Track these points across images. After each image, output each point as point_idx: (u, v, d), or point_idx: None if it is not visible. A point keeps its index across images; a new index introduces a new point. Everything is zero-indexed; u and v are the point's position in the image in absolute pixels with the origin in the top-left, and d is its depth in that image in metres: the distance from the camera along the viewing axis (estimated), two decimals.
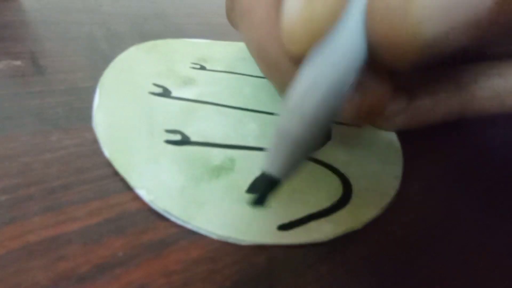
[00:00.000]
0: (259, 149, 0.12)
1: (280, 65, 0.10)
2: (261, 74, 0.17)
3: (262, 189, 0.08)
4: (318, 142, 0.09)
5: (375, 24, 0.08)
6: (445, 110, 0.14)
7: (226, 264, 0.09)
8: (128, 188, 0.10)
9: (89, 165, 0.10)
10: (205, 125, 0.11)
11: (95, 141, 0.11)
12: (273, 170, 0.09)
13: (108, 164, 0.10)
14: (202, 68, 0.16)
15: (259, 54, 0.11)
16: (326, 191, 0.11)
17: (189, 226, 0.09)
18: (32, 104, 0.11)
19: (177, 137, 0.12)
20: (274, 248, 0.09)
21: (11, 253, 0.07)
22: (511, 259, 0.11)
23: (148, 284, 0.08)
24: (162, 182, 0.10)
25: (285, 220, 0.10)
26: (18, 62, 0.13)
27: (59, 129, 0.11)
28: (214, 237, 0.09)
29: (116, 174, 0.10)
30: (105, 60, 0.14)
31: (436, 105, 0.14)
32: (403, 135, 0.15)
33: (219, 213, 0.10)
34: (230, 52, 0.18)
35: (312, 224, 0.10)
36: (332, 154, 0.13)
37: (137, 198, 0.09)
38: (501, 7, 0.07)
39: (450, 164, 0.15)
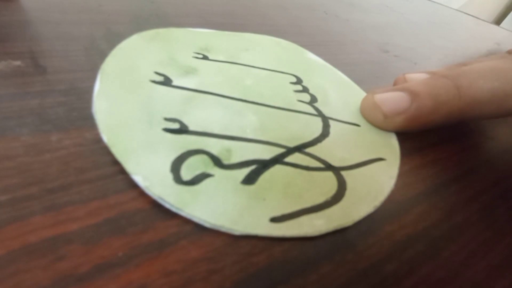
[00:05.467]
0: (257, 141, 0.12)
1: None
2: (263, 65, 0.17)
3: None
4: None
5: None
6: (445, 112, 0.15)
7: (226, 264, 0.09)
8: (128, 188, 0.10)
9: (89, 165, 0.10)
10: (204, 115, 0.12)
11: (95, 141, 0.11)
12: None
13: (108, 164, 0.10)
14: (205, 57, 0.16)
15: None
16: (320, 187, 0.11)
17: (182, 214, 0.09)
18: (32, 104, 0.11)
19: (176, 126, 0.12)
20: (274, 248, 0.09)
21: (11, 253, 0.07)
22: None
23: (148, 284, 0.08)
24: (158, 170, 0.10)
25: (278, 213, 0.10)
26: (18, 62, 0.13)
27: (59, 129, 0.11)
28: (206, 225, 0.09)
29: (116, 174, 0.10)
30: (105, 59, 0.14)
31: (437, 107, 0.14)
32: (401, 136, 0.15)
33: (213, 202, 0.10)
34: (234, 43, 0.18)
35: (304, 219, 0.10)
36: (329, 151, 0.13)
37: (137, 198, 0.09)
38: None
39: (448, 167, 0.15)
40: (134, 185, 0.10)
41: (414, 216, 0.12)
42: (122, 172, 0.10)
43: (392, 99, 0.15)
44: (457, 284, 0.10)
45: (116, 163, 0.10)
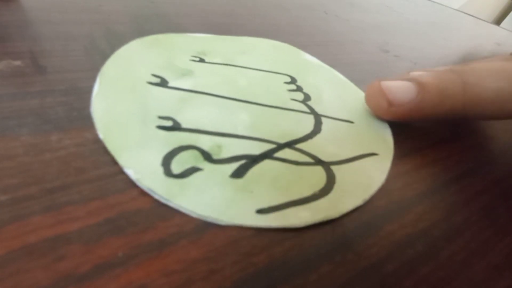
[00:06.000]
0: (247, 138, 0.12)
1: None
2: (258, 67, 0.17)
3: None
4: None
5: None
6: (449, 107, 0.15)
7: (226, 264, 0.09)
8: (128, 188, 0.10)
9: (89, 165, 0.10)
10: (197, 113, 0.12)
11: (95, 141, 0.11)
12: None
13: (108, 164, 0.10)
14: (201, 61, 0.16)
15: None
16: (309, 181, 0.11)
17: (171, 204, 0.09)
18: (32, 104, 0.11)
19: (169, 123, 0.12)
20: (274, 248, 0.09)
21: (11, 253, 0.07)
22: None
23: (148, 284, 0.08)
24: (149, 164, 0.10)
25: (264, 205, 0.10)
26: (18, 62, 0.13)
27: (59, 129, 0.11)
28: (194, 215, 0.09)
29: (116, 174, 0.10)
30: (105, 60, 0.14)
31: (442, 101, 0.14)
32: (401, 135, 0.15)
33: (201, 194, 0.10)
34: (230, 46, 0.19)
35: (290, 210, 0.10)
36: (320, 147, 0.13)
37: (137, 198, 0.09)
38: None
39: (448, 167, 0.15)
40: (134, 185, 0.10)
41: (414, 216, 0.12)
42: (122, 172, 0.10)
43: (398, 88, 0.15)
44: (457, 284, 0.10)
45: (116, 162, 0.10)
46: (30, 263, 0.07)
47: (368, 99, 0.16)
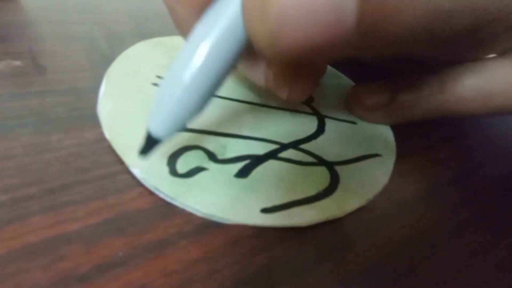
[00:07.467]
0: (252, 138, 0.13)
1: (186, 25, 0.11)
2: None
3: (145, 145, 0.10)
4: (197, 108, 0.09)
5: (244, 18, 0.08)
6: (427, 108, 0.15)
7: (226, 264, 0.09)
8: (128, 188, 0.10)
9: (89, 165, 0.10)
10: (202, 114, 0.12)
11: (95, 141, 0.11)
12: (154, 129, 0.09)
13: (108, 164, 0.10)
14: None
15: (172, 15, 0.12)
16: (313, 180, 0.11)
17: (176, 203, 0.10)
18: (32, 104, 0.11)
19: None
20: (274, 248, 0.09)
21: (11, 253, 0.07)
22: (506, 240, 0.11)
23: (148, 284, 0.08)
24: (155, 163, 0.10)
25: (269, 204, 0.10)
26: (18, 62, 0.13)
27: (59, 129, 0.11)
28: (199, 214, 0.09)
29: (116, 174, 0.10)
30: (105, 60, 0.14)
31: (419, 103, 0.14)
32: (401, 135, 0.15)
33: (206, 193, 0.10)
34: None
35: (295, 210, 0.10)
36: (324, 147, 0.13)
37: (137, 198, 0.09)
38: (366, 28, 0.08)
39: (448, 167, 0.15)
40: (134, 185, 0.10)
41: (414, 216, 0.12)
42: (122, 172, 0.10)
43: (373, 92, 0.15)
44: (457, 284, 0.10)
45: (116, 163, 0.10)
46: (30, 263, 0.07)
47: (347, 104, 0.16)
